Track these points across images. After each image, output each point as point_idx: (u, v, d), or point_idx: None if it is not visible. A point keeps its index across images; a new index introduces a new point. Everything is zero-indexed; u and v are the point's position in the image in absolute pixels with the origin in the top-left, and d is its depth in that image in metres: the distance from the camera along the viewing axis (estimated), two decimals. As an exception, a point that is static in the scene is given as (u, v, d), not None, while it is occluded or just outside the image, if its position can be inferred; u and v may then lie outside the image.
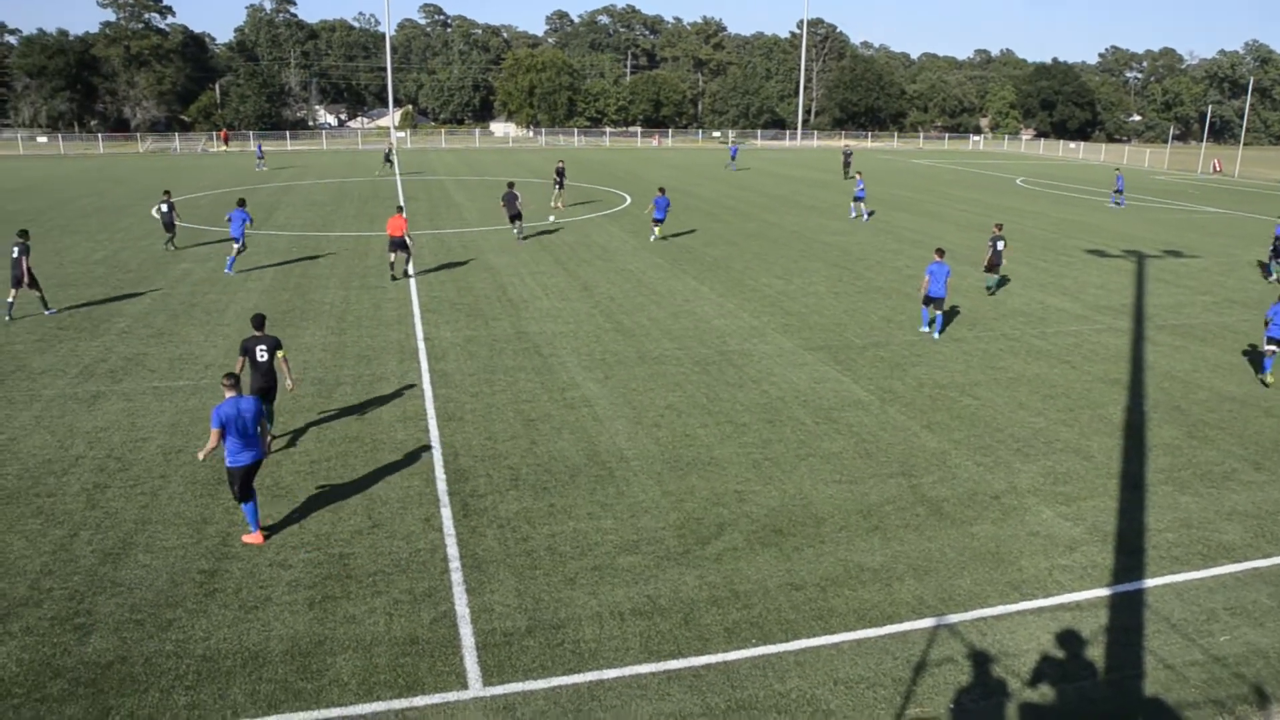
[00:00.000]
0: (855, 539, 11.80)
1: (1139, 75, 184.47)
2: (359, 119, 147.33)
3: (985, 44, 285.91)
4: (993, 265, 25.73)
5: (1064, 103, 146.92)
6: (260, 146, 72.75)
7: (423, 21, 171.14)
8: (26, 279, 21.97)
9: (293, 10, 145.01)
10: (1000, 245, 25.56)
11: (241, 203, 28.52)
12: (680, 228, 38.10)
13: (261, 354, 13.90)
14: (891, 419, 16.16)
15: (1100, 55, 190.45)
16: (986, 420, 16.23)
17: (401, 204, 38.33)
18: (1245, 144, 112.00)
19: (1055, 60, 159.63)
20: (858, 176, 45.49)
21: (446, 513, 12.30)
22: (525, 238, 34.10)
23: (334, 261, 29.74)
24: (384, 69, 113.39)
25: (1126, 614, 10.32)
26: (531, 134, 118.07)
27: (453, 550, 11.31)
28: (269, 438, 11.70)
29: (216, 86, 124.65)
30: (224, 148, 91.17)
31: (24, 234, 22.52)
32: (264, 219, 37.95)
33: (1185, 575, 11.18)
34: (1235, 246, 36.80)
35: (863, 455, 14.51)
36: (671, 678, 9.00)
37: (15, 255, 21.88)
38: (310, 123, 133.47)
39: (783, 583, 10.71)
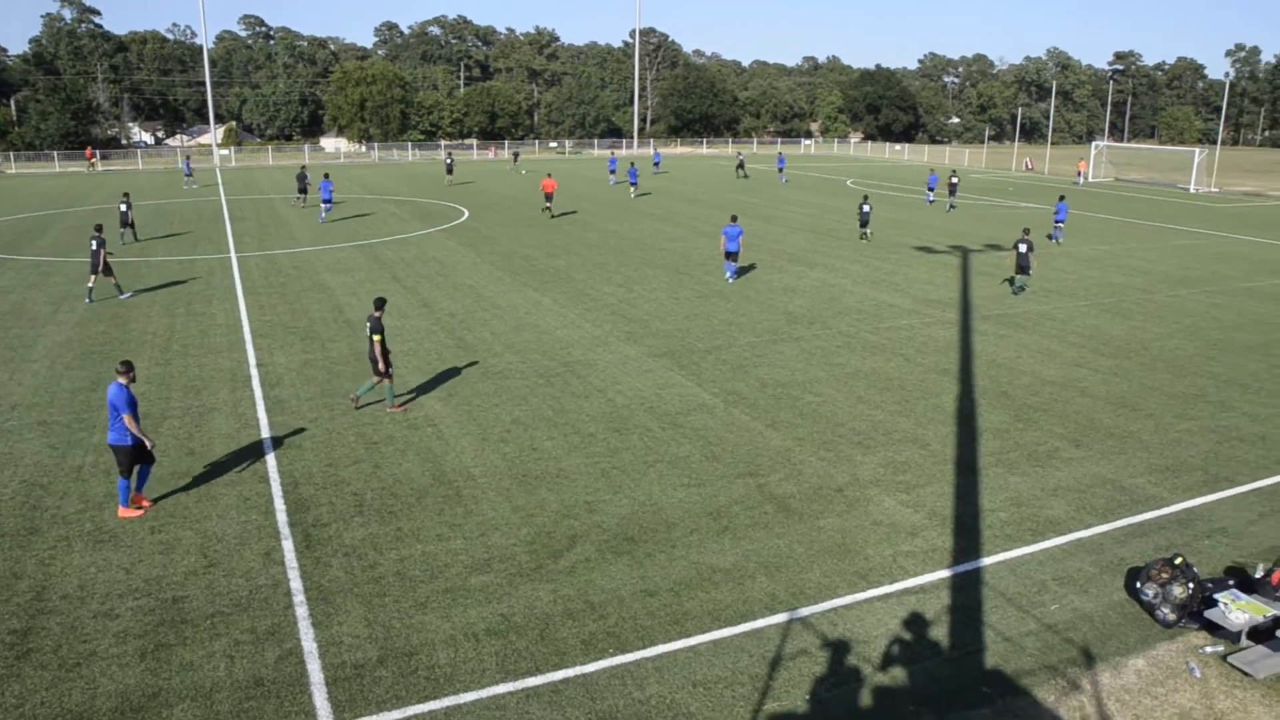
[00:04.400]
0: (706, 541, 11.91)
1: (956, 80, 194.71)
2: (178, 136, 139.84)
3: (812, 51, 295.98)
4: (1022, 268, 27.12)
5: (888, 107, 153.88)
6: (188, 162, 68.01)
7: (243, 33, 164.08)
8: (102, 268, 25.67)
9: (97, 21, 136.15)
10: (1023, 248, 27.07)
11: (327, 176, 43.03)
12: (520, 240, 37.89)
13: (366, 330, 16.79)
14: (736, 420, 16.44)
15: (920, 61, 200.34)
16: (827, 416, 16.71)
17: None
18: (1052, 143, 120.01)
19: (879, 66, 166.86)
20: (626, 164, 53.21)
21: (288, 545, 11.76)
22: (305, 208, 43.87)
23: (156, 287, 28.14)
24: (203, 83, 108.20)
25: (966, 593, 10.78)
26: (364, 149, 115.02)
27: (296, 584, 10.82)
28: (131, 428, 12.20)
29: (11, 102, 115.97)
30: (94, 168, 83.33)
31: (100, 228, 26.31)
32: (73, 245, 35.53)
33: (1017, 551, 11.78)
34: (1049, 240, 39.24)
35: (710, 458, 14.69)
36: (530, 695, 8.84)
37: (94, 248, 25.45)
38: (124, 141, 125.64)
39: (637, 590, 10.70)
